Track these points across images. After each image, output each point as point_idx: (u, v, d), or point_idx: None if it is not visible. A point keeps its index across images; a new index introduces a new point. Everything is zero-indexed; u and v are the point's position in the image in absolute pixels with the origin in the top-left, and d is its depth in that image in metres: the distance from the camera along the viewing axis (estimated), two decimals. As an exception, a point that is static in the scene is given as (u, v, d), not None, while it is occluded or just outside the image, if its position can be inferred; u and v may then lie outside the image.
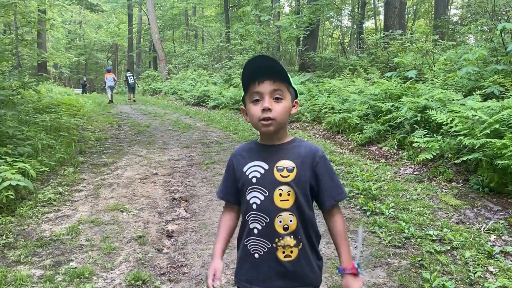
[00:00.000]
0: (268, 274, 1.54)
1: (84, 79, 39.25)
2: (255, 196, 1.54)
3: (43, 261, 3.29)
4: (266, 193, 1.53)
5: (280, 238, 1.53)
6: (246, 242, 1.58)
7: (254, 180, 1.55)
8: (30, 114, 8.24)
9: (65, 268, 3.16)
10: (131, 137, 9.24)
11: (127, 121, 12.17)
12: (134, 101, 20.83)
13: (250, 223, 1.56)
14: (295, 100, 1.61)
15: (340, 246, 1.59)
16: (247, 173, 1.57)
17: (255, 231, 1.55)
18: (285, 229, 1.53)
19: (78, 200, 4.79)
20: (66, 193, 5.03)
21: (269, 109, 1.49)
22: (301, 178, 1.55)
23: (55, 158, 6.20)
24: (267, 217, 1.53)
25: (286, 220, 1.53)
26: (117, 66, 52.72)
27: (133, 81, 21.49)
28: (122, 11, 41.26)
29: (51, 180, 5.47)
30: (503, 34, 7.19)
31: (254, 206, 1.54)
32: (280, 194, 1.53)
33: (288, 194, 1.53)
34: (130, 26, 39.76)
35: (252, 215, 1.55)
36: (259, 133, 1.65)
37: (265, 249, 1.53)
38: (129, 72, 22.32)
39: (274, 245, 1.53)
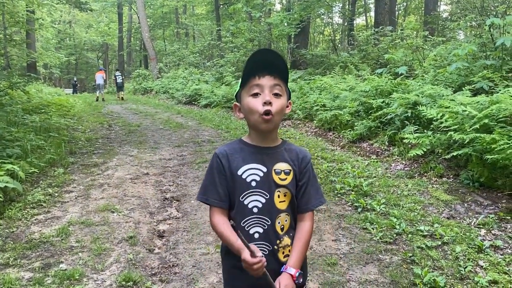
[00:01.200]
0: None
1: (75, 79, 39.00)
2: (255, 200, 1.52)
3: (32, 264, 3.25)
4: (267, 196, 1.52)
5: (281, 239, 1.54)
6: None
7: (253, 183, 1.52)
8: (19, 115, 8.16)
9: (54, 270, 3.13)
10: (122, 137, 9.19)
11: (117, 120, 12.09)
12: (122, 98, 21.67)
13: (250, 228, 1.53)
14: (289, 101, 1.61)
15: (297, 250, 1.55)
16: (243, 177, 1.53)
17: (256, 235, 1.52)
18: (282, 229, 1.55)
19: (68, 201, 4.75)
20: (56, 194, 4.98)
21: (270, 103, 1.47)
22: (295, 180, 1.57)
23: (45, 159, 6.14)
24: (268, 220, 1.52)
25: (283, 220, 1.55)
26: (107, 65, 52.29)
27: (121, 80, 22.36)
28: (112, 10, 40.97)
29: (40, 182, 5.42)
30: (491, 30, 7.23)
31: (255, 210, 1.52)
32: (279, 196, 1.54)
33: (285, 195, 1.55)
34: (120, 25, 39.49)
35: (253, 220, 1.53)
36: (249, 131, 1.62)
37: (266, 252, 1.51)
38: (118, 72, 23.20)
39: (275, 247, 1.53)
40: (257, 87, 1.49)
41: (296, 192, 1.58)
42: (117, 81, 22.29)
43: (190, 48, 29.42)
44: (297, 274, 1.48)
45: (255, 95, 1.49)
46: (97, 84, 21.29)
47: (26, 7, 18.53)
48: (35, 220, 4.17)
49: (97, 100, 20.59)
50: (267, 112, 1.47)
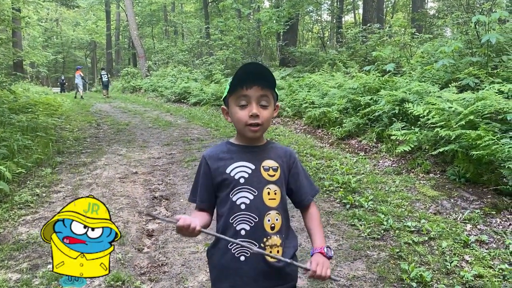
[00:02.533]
0: (255, 276, 1.52)
1: (63, 77, 38.59)
2: (243, 196, 1.54)
3: (19, 265, 3.23)
4: (255, 192, 1.54)
5: (268, 237, 1.54)
6: (231, 245, 1.54)
7: (242, 180, 1.55)
8: (5, 114, 8.07)
9: (42, 271, 3.11)
10: (110, 136, 9.13)
11: (106, 119, 12.01)
12: (108, 97, 22.63)
13: (237, 225, 1.54)
14: (277, 104, 1.65)
15: (315, 231, 1.64)
16: (232, 174, 1.55)
17: (243, 232, 1.53)
18: (272, 228, 1.55)
19: (56, 202, 4.72)
20: (44, 194, 4.94)
21: (257, 115, 1.51)
22: (284, 177, 1.60)
23: (32, 159, 6.08)
24: (256, 217, 1.53)
25: (273, 219, 1.55)
26: (95, 63, 51.91)
27: (107, 79, 23.54)
28: (100, 8, 40.63)
29: (28, 182, 5.37)
30: (477, 27, 7.30)
31: (243, 207, 1.53)
32: (268, 193, 1.55)
33: (275, 193, 1.56)
34: (108, 23, 39.19)
35: (240, 216, 1.53)
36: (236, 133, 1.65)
37: (252, 249, 1.51)
38: (103, 71, 24.46)
39: (262, 245, 1.53)
40: (244, 98, 1.52)
41: (291, 188, 1.64)
42: (103, 79, 23.36)
43: (179, 46, 29.28)
44: (324, 249, 1.56)
45: (243, 106, 1.53)
46: (76, 83, 22.76)
47: (12, 5, 18.28)
48: (22, 220, 4.14)
49: (75, 97, 21.66)
50: (254, 124, 1.52)
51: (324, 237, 1.64)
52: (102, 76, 23.61)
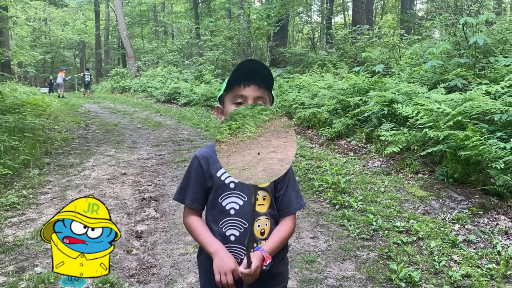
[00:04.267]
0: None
1: (51, 78, 38.11)
2: (233, 202, 1.52)
3: (5, 268, 3.18)
4: (245, 198, 1.52)
5: (259, 242, 1.53)
6: None
7: (232, 185, 1.53)
8: (-8, 115, 7.96)
9: (29, 274, 3.07)
10: (99, 136, 9.05)
11: (95, 120, 11.90)
12: (88, 95, 23.47)
13: (226, 230, 1.53)
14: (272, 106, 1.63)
15: (274, 239, 1.53)
16: (222, 178, 1.54)
17: (232, 238, 1.52)
18: (262, 233, 1.54)
19: (43, 203, 4.66)
20: (31, 196, 4.88)
21: None
22: (274, 183, 1.58)
23: (19, 160, 6.00)
24: (246, 223, 1.51)
25: (263, 224, 1.54)
26: (85, 63, 51.42)
27: (89, 79, 24.50)
28: (89, 7, 40.30)
29: (14, 183, 5.29)
30: (465, 28, 7.37)
31: (232, 212, 1.52)
32: (257, 199, 1.53)
33: (264, 199, 1.55)
34: (97, 22, 38.85)
35: (229, 222, 1.52)
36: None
37: (242, 256, 1.50)
38: (87, 71, 25.33)
39: (252, 250, 1.51)
40: (241, 97, 1.51)
41: (276, 196, 1.59)
42: (85, 79, 24.18)
43: (168, 46, 29.18)
44: (268, 263, 1.45)
45: (238, 104, 1.51)
46: (57, 83, 23.74)
47: (-1, 4, 18.05)
48: (8, 223, 4.08)
49: (58, 97, 22.16)
50: None
51: (276, 249, 1.52)
52: (85, 76, 24.35)
